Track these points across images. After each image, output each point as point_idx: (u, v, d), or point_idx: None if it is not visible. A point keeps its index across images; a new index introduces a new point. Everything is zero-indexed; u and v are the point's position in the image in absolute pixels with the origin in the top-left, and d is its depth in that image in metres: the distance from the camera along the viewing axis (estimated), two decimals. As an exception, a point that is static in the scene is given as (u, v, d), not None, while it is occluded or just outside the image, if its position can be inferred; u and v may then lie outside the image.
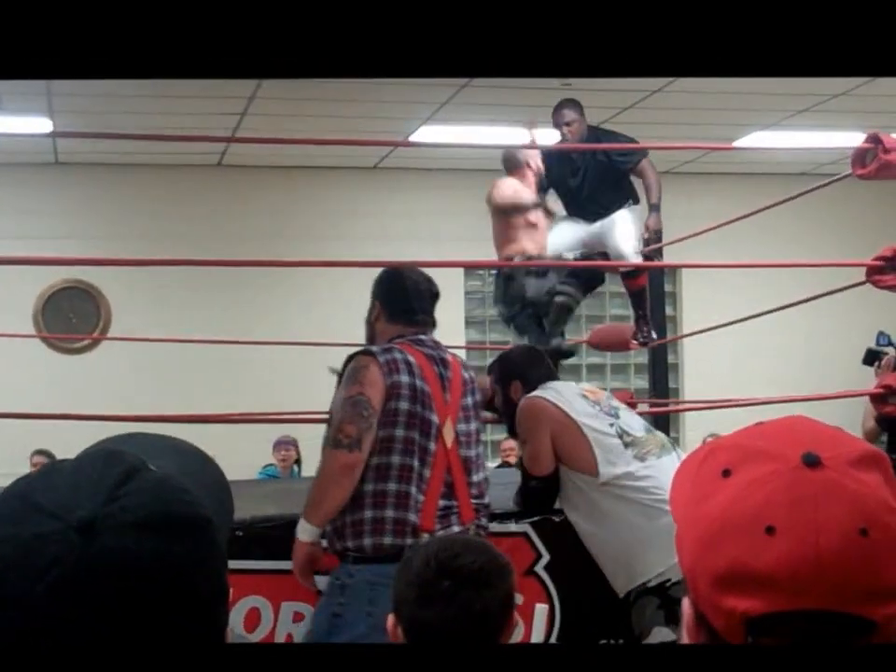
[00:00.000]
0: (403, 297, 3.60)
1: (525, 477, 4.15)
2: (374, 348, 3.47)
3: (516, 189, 5.56)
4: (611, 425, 3.94)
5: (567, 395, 4.00)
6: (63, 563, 0.94)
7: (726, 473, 1.06)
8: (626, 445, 3.89)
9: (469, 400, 3.53)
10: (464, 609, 2.16)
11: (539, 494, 4.11)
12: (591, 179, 5.79)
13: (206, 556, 1.01)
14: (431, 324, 3.63)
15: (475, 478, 3.48)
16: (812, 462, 1.03)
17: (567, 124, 5.77)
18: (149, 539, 0.97)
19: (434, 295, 3.67)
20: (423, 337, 3.55)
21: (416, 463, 3.35)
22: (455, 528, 3.39)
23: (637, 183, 5.94)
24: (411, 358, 3.43)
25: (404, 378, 3.37)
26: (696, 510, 1.06)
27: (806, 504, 1.01)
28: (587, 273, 5.70)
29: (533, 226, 5.48)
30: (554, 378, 4.19)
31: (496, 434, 10.28)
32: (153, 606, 0.95)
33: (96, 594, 0.94)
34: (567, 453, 3.95)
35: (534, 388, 4.04)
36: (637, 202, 5.89)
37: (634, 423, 4.00)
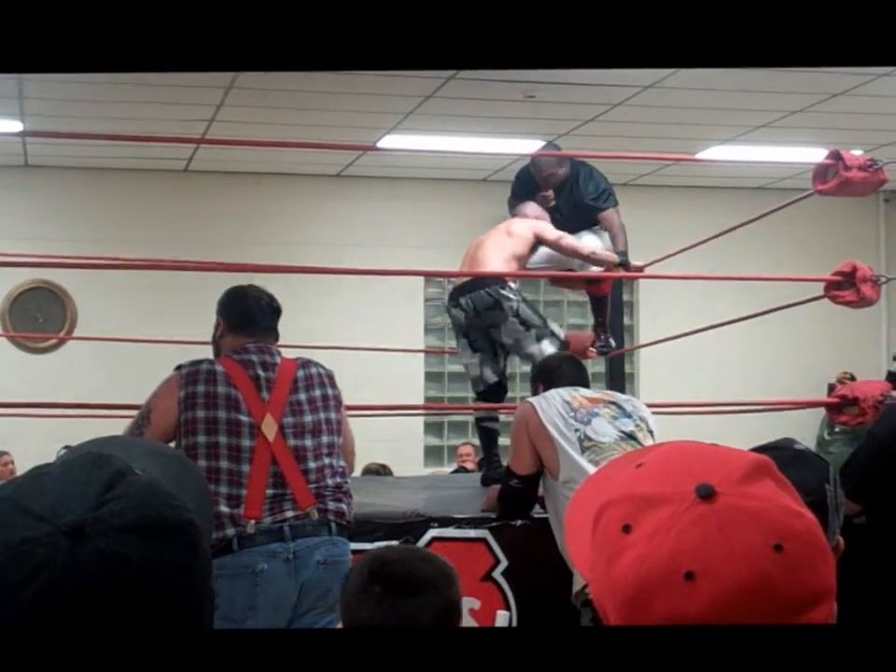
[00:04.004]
0: (240, 311, 3.78)
1: (508, 475, 4.33)
2: (185, 362, 3.67)
3: None
4: (576, 430, 4.10)
5: (550, 401, 4.19)
6: (51, 567, 0.95)
7: (626, 529, 1.03)
8: (583, 450, 4.04)
9: (303, 396, 3.67)
10: (392, 611, 2.24)
11: (518, 492, 4.28)
12: (563, 210, 5.90)
13: (193, 560, 1.03)
14: (270, 334, 3.79)
15: (313, 464, 3.60)
16: (706, 494, 1.01)
17: (547, 178, 5.87)
18: (138, 542, 0.98)
19: (275, 310, 3.84)
20: (249, 346, 3.70)
21: (225, 463, 3.50)
22: (290, 513, 3.52)
23: None
24: (218, 368, 3.61)
25: (200, 388, 3.55)
26: (608, 574, 1.03)
27: (715, 539, 0.99)
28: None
29: None
30: (575, 384, 4.36)
31: (452, 440, 10.35)
32: (141, 609, 0.96)
33: (85, 597, 0.95)
34: (542, 455, 4.14)
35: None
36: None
37: (607, 430, 4.13)
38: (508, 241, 5.53)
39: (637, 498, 1.03)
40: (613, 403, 4.29)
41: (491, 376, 5.54)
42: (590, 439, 4.10)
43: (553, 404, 4.18)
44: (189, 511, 1.05)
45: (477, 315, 5.40)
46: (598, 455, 4.02)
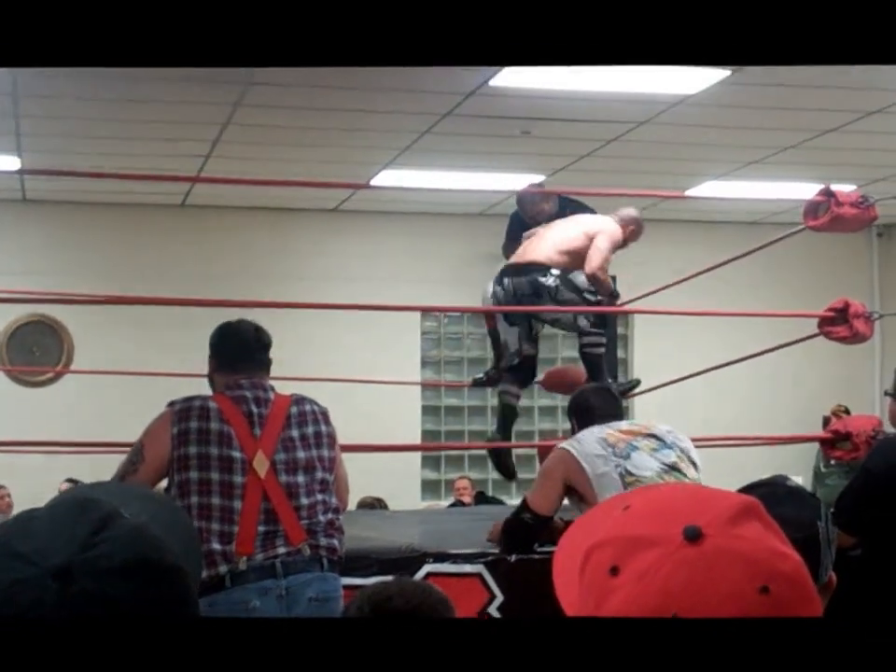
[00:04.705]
0: (230, 348, 3.82)
1: (522, 508, 4.34)
2: (178, 399, 3.71)
3: None
4: (616, 466, 4.09)
5: (584, 442, 4.20)
6: (40, 607, 0.98)
7: (614, 571, 1.03)
8: (626, 486, 3.99)
9: (296, 433, 3.69)
10: None
11: (528, 528, 4.30)
12: None
13: (179, 602, 1.05)
14: (262, 368, 3.82)
15: (305, 501, 3.63)
16: (694, 536, 1.01)
17: (535, 216, 6.09)
18: (124, 585, 1.01)
19: (263, 344, 3.86)
20: (243, 382, 3.73)
21: (217, 500, 3.53)
22: (282, 550, 3.54)
23: None
24: (211, 404, 3.64)
25: (193, 424, 3.58)
26: (596, 614, 1.04)
27: (701, 581, 1.00)
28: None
29: None
30: (609, 418, 4.34)
31: (449, 473, 10.36)
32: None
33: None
34: (584, 494, 4.15)
35: (585, 427, 4.34)
36: None
37: (648, 464, 4.11)
38: (570, 232, 5.78)
39: (625, 540, 1.04)
40: (652, 435, 4.24)
41: (529, 349, 5.84)
42: (631, 474, 4.06)
43: (586, 444, 4.18)
44: (175, 554, 1.08)
45: (515, 299, 5.67)
46: None
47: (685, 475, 4.07)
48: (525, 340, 5.83)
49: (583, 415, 4.43)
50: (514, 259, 5.80)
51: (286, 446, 3.65)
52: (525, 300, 5.65)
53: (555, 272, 5.64)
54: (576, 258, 5.75)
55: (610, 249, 5.75)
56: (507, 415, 5.96)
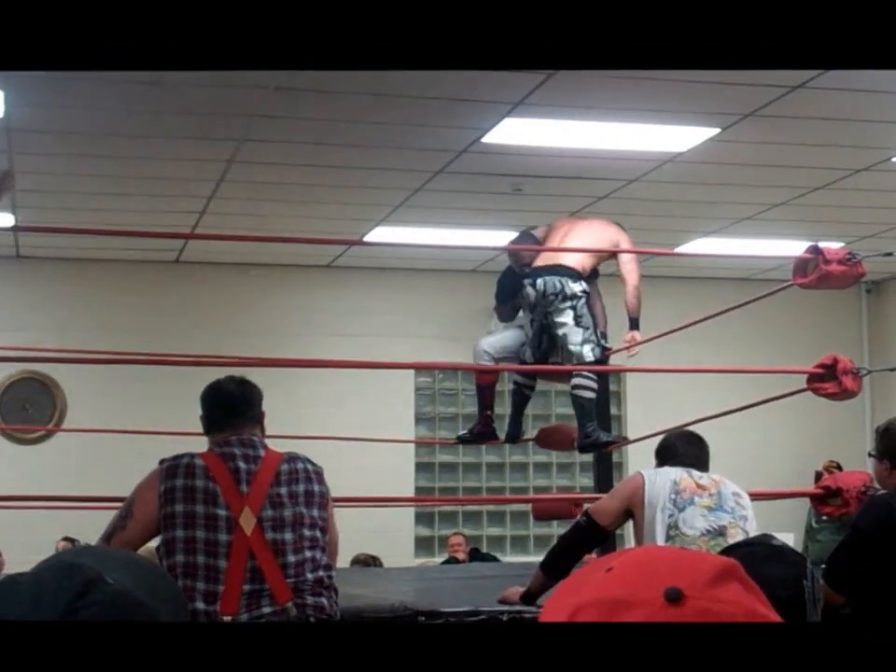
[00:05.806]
0: (216, 406, 3.84)
1: (583, 512, 4.46)
2: (167, 457, 3.71)
3: None
4: (670, 515, 4.13)
5: (662, 478, 4.23)
6: None
7: None
8: (668, 538, 4.06)
9: (284, 490, 3.67)
10: None
11: (578, 530, 4.33)
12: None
13: None
14: (250, 423, 3.81)
15: (292, 558, 3.60)
16: (675, 598, 1.02)
17: (529, 264, 6.24)
18: None
19: (249, 399, 3.84)
20: (232, 439, 3.73)
21: (202, 558, 3.51)
22: (267, 609, 3.51)
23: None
24: (198, 462, 3.63)
25: (179, 482, 3.58)
26: None
27: None
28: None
29: None
30: (688, 465, 4.33)
31: (443, 530, 10.34)
32: None
33: None
34: (637, 522, 4.23)
35: (661, 466, 4.38)
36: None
37: (696, 523, 4.12)
38: (591, 237, 6.09)
39: (608, 602, 1.03)
40: (718, 493, 4.22)
41: (529, 357, 6.12)
42: (677, 527, 4.10)
43: (661, 480, 4.21)
44: (158, 619, 1.09)
45: (543, 297, 5.94)
46: (680, 546, 3.96)
47: (728, 542, 3.98)
48: (529, 347, 6.09)
49: (661, 455, 4.46)
50: (542, 262, 6.05)
51: (273, 503, 3.64)
52: (552, 298, 5.90)
53: (584, 284, 5.94)
54: (598, 262, 6.16)
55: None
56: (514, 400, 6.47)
